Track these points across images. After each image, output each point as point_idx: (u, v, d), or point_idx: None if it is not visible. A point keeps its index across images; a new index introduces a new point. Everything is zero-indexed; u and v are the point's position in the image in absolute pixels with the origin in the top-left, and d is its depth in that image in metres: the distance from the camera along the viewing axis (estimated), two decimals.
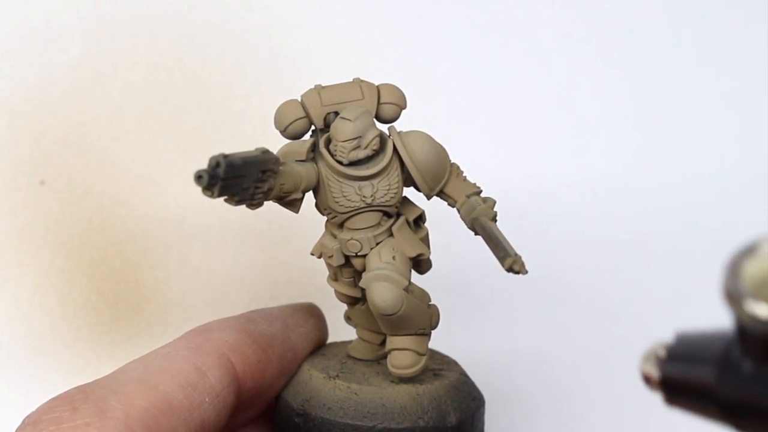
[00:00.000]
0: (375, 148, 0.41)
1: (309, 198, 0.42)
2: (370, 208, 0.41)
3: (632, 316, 0.61)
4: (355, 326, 0.46)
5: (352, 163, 0.41)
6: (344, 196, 0.41)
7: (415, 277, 0.43)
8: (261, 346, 0.42)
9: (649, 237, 0.62)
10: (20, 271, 0.59)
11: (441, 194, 0.43)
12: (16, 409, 0.40)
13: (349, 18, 0.61)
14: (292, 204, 0.41)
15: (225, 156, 0.34)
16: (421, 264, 0.44)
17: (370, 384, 0.42)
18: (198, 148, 0.60)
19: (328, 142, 0.41)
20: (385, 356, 0.43)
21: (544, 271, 0.59)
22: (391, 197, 0.42)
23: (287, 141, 0.42)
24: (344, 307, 0.46)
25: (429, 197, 0.43)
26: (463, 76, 0.62)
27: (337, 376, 0.43)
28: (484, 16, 0.62)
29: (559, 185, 0.62)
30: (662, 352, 0.29)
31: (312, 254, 0.44)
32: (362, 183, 0.41)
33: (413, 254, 0.42)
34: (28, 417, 0.37)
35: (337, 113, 0.42)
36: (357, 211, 0.41)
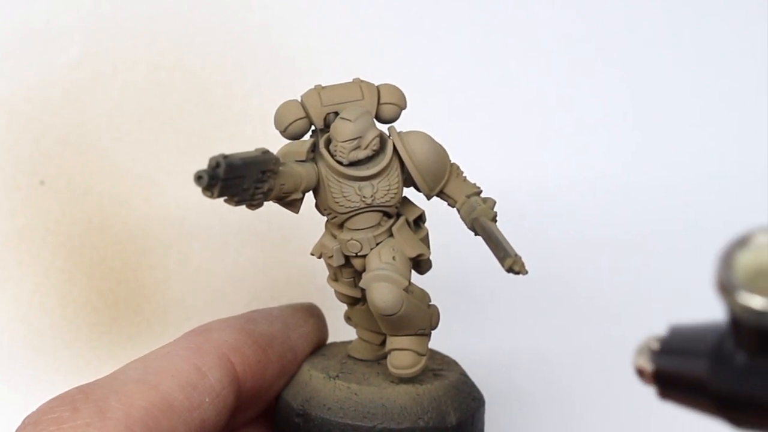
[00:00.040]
0: (375, 148, 0.41)
1: (309, 198, 0.42)
2: (370, 208, 0.41)
3: (632, 316, 0.61)
4: (355, 326, 0.46)
5: (352, 164, 0.41)
6: (344, 197, 0.41)
7: (415, 278, 0.43)
8: (261, 346, 0.42)
9: (649, 237, 0.62)
10: (20, 271, 0.59)
11: (441, 194, 0.43)
12: (16, 409, 0.40)
13: (349, 18, 0.61)
14: (292, 204, 0.41)
15: (225, 156, 0.34)
16: (421, 264, 0.44)
17: (370, 384, 0.42)
18: (198, 148, 0.60)
19: (328, 142, 0.41)
20: (385, 356, 0.43)
21: (544, 271, 0.59)
22: (391, 197, 0.42)
23: (287, 141, 0.42)
24: (344, 307, 0.46)
25: (429, 197, 0.43)
26: (463, 76, 0.62)
27: (337, 376, 0.43)
28: (484, 16, 0.62)
29: (559, 185, 0.62)
30: (655, 345, 0.29)
31: (312, 254, 0.44)
32: (362, 183, 0.41)
33: (413, 254, 0.42)
34: (28, 417, 0.37)
35: (337, 113, 0.42)
36: (357, 212, 0.41)
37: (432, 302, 0.43)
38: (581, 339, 0.61)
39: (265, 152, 0.37)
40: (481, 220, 0.41)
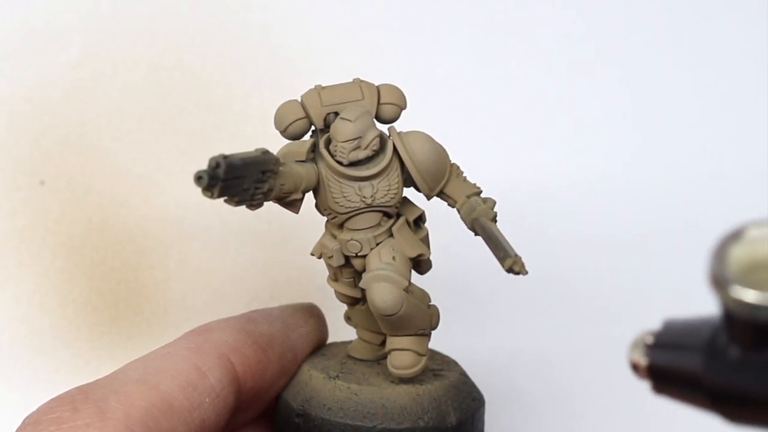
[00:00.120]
0: (375, 148, 0.41)
1: (309, 198, 0.42)
2: (370, 208, 0.41)
3: (632, 316, 0.61)
4: (355, 326, 0.46)
5: (352, 164, 0.41)
6: (344, 197, 0.41)
7: (415, 278, 0.43)
8: (261, 347, 0.42)
9: (649, 237, 0.62)
10: (20, 271, 0.59)
11: (441, 194, 0.43)
12: (16, 409, 0.40)
13: (349, 18, 0.61)
14: (292, 204, 0.41)
15: (225, 157, 0.34)
16: (421, 264, 0.44)
17: (370, 384, 0.42)
18: (198, 148, 0.60)
19: (328, 142, 0.41)
20: (385, 356, 0.43)
21: (544, 271, 0.59)
22: (391, 198, 0.42)
23: (287, 141, 0.42)
24: (344, 307, 0.46)
25: (429, 198, 0.43)
26: (463, 76, 0.62)
27: (337, 376, 0.43)
28: (484, 16, 0.62)
29: (559, 185, 0.62)
30: (650, 340, 0.29)
31: (312, 254, 0.44)
32: (362, 183, 0.41)
33: (413, 255, 0.42)
34: (28, 417, 0.37)
35: (337, 113, 0.42)
36: (357, 212, 0.41)
37: (432, 302, 0.43)
38: (581, 339, 0.61)
39: (265, 152, 0.37)
40: (481, 220, 0.41)
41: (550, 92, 0.63)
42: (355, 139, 0.40)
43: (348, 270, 0.43)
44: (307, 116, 0.42)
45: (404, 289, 0.41)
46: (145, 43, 0.60)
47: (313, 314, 0.47)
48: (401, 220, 0.43)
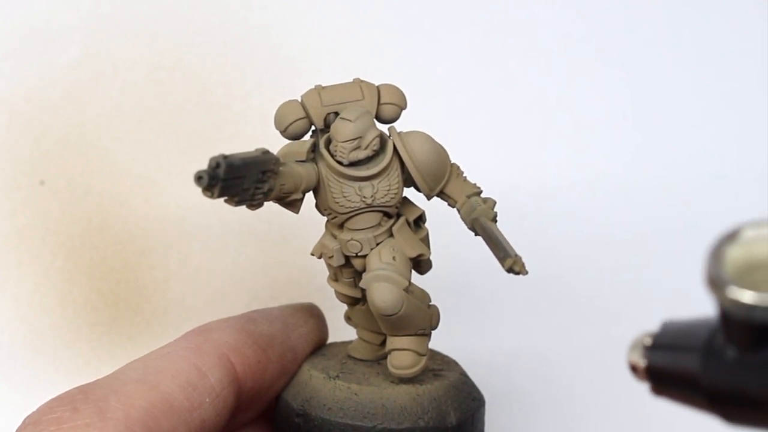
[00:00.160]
0: (375, 148, 0.41)
1: (309, 198, 0.42)
2: (370, 208, 0.41)
3: (632, 316, 0.61)
4: (355, 326, 0.46)
5: (353, 164, 0.41)
6: (344, 197, 0.41)
7: (415, 278, 0.43)
8: (261, 347, 0.42)
9: (649, 237, 0.62)
10: (20, 271, 0.59)
11: (441, 195, 0.43)
12: (16, 409, 0.40)
13: (349, 18, 0.61)
14: (293, 204, 0.41)
15: (225, 157, 0.34)
16: (421, 264, 0.44)
17: (370, 384, 0.42)
18: (198, 148, 0.60)
19: (329, 142, 0.41)
20: (385, 356, 0.43)
21: (544, 271, 0.59)
22: (392, 198, 0.42)
23: (287, 141, 0.42)
24: (344, 307, 0.46)
25: (429, 198, 0.43)
26: (463, 76, 0.62)
27: (337, 376, 0.43)
28: (484, 16, 0.62)
29: (559, 185, 0.62)
30: (648, 341, 0.29)
31: (312, 254, 0.44)
32: (362, 183, 0.41)
33: (413, 255, 0.42)
34: (28, 417, 0.37)
35: (337, 113, 0.42)
36: (357, 212, 0.41)
37: (432, 302, 0.43)
38: (581, 339, 0.61)
39: (266, 152, 0.37)
40: (481, 220, 0.41)
41: (550, 92, 0.63)
42: (355, 139, 0.40)
43: (348, 270, 0.43)
44: (308, 116, 0.42)
45: (404, 289, 0.41)
46: (145, 43, 0.60)
47: (313, 314, 0.47)
48: (401, 220, 0.43)
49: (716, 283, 0.25)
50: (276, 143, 0.41)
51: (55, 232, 0.59)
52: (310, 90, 0.42)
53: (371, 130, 0.41)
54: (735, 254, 0.25)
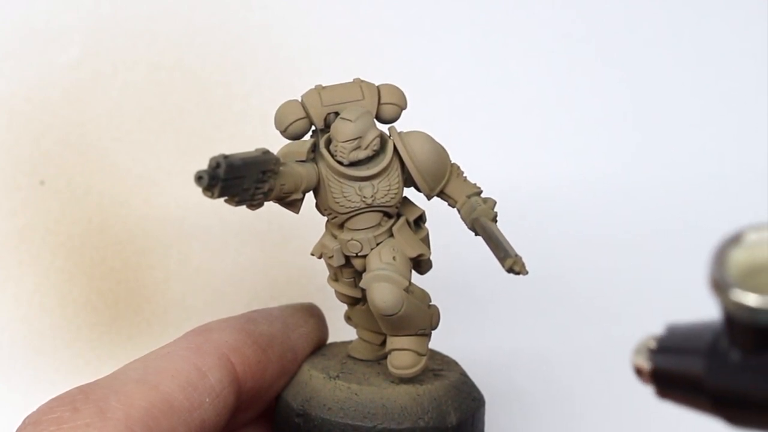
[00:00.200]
0: (375, 148, 0.41)
1: (309, 198, 0.42)
2: (370, 208, 0.41)
3: (632, 316, 0.61)
4: (355, 326, 0.46)
5: (353, 164, 0.41)
6: (344, 197, 0.41)
7: (416, 278, 0.43)
8: (261, 347, 0.42)
9: (649, 237, 0.62)
10: (20, 271, 0.59)
11: (441, 195, 0.43)
12: (16, 409, 0.40)
13: (349, 18, 0.61)
14: (293, 204, 0.41)
15: (225, 157, 0.34)
16: (421, 264, 0.44)
17: (370, 384, 0.42)
18: (198, 148, 0.60)
19: (329, 142, 0.41)
20: (385, 356, 0.43)
21: (544, 271, 0.59)
22: (392, 198, 0.42)
23: (287, 141, 0.42)
24: (344, 307, 0.46)
25: (429, 198, 0.43)
26: (463, 76, 0.62)
27: (338, 376, 0.43)
28: (484, 16, 0.62)
29: (559, 185, 0.62)
30: (653, 344, 0.29)
31: (312, 254, 0.44)
32: (362, 183, 0.41)
33: (413, 255, 0.42)
34: (28, 417, 0.37)
35: (337, 113, 0.42)
36: (357, 212, 0.41)
37: (432, 302, 0.43)
38: (581, 339, 0.61)
39: (266, 152, 0.37)
40: (481, 220, 0.41)
41: (550, 92, 0.63)
42: (355, 139, 0.40)
43: (348, 270, 0.43)
44: (308, 116, 0.42)
45: (404, 289, 0.41)
46: (145, 43, 0.60)
47: (313, 314, 0.47)
48: (401, 220, 0.43)
49: (720, 286, 0.25)
50: (276, 143, 0.41)
51: (55, 232, 0.59)
52: (310, 90, 0.42)
53: (371, 130, 0.41)
54: (738, 257, 0.25)
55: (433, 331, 0.43)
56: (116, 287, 0.60)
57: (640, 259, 0.62)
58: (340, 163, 0.41)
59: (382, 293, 0.40)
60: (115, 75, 0.60)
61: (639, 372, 0.29)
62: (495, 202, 0.42)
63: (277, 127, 0.42)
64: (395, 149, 0.42)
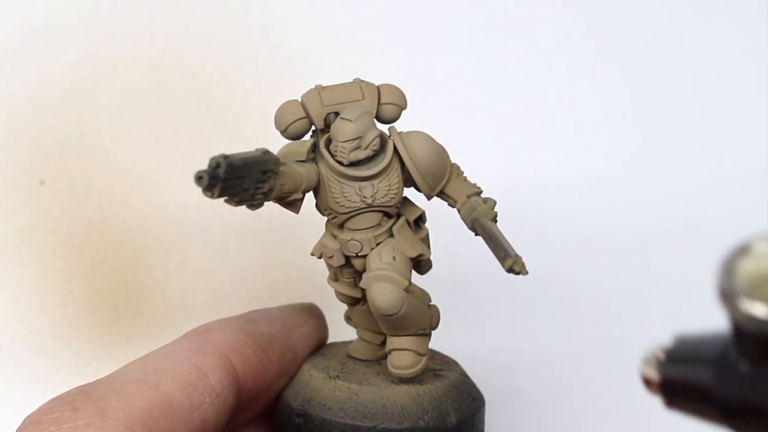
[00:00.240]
0: (375, 148, 0.41)
1: (309, 198, 0.42)
2: (370, 208, 0.41)
3: (632, 316, 0.61)
4: (355, 326, 0.46)
5: (353, 164, 0.41)
6: (344, 197, 0.41)
7: (416, 278, 0.43)
8: (261, 347, 0.42)
9: (649, 237, 0.62)
10: (20, 271, 0.59)
11: (441, 195, 0.43)
12: (16, 409, 0.40)
13: (349, 18, 0.61)
14: (293, 204, 0.41)
15: (225, 156, 0.34)
16: (421, 264, 0.44)
17: (370, 384, 0.42)
18: (198, 148, 0.60)
19: (329, 142, 0.41)
20: (385, 356, 0.43)
21: (544, 271, 0.59)
22: (392, 198, 0.42)
23: (287, 141, 0.42)
24: (344, 307, 0.46)
25: (429, 198, 0.43)
26: (463, 76, 0.62)
27: (338, 376, 0.43)
28: (484, 16, 0.62)
29: (559, 185, 0.62)
30: (662, 355, 0.29)
31: (312, 254, 0.44)
32: (362, 183, 0.41)
33: (413, 255, 0.42)
34: (28, 417, 0.37)
35: (337, 113, 0.42)
36: (357, 212, 0.41)
37: (432, 302, 0.43)
38: (581, 339, 0.61)
39: (266, 152, 0.37)
40: (481, 220, 0.41)
41: (550, 92, 0.63)
42: (355, 139, 0.40)
43: (348, 270, 0.43)
44: (308, 116, 0.42)
45: (404, 289, 0.41)
46: (145, 43, 0.60)
47: (313, 314, 0.47)
48: (401, 220, 0.43)
49: (728, 296, 0.25)
50: (276, 143, 0.41)
51: (55, 232, 0.59)
52: (311, 90, 0.42)
53: (371, 130, 0.41)
54: (747, 267, 0.25)
55: (433, 331, 0.43)
56: (116, 287, 0.60)
57: (640, 259, 0.62)
58: (340, 163, 0.41)
59: (382, 293, 0.40)
60: (115, 75, 0.60)
61: (647, 382, 0.29)
62: (495, 202, 0.42)
63: (277, 127, 0.42)
64: (395, 149, 0.42)
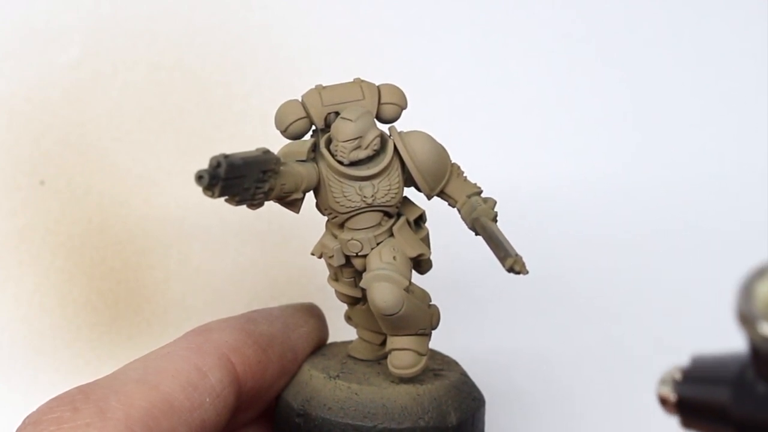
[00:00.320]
0: (376, 148, 0.41)
1: (309, 198, 0.42)
2: (370, 208, 0.41)
3: (632, 316, 0.61)
4: (355, 326, 0.46)
5: (353, 164, 0.41)
6: (345, 197, 0.41)
7: (416, 277, 0.43)
8: (261, 347, 0.42)
9: (649, 237, 0.62)
10: (20, 271, 0.59)
11: (441, 194, 0.43)
12: (16, 409, 0.40)
13: (349, 18, 0.61)
14: (293, 204, 0.41)
15: (226, 156, 0.34)
16: (421, 264, 0.44)
17: (370, 384, 0.42)
18: (198, 148, 0.60)
19: (329, 142, 0.41)
20: (385, 356, 0.43)
21: (544, 271, 0.59)
22: (392, 197, 0.42)
23: (288, 141, 0.42)
24: (344, 307, 0.46)
25: (429, 197, 0.43)
26: (463, 76, 0.62)
27: (338, 376, 0.43)
28: (484, 16, 0.62)
29: (559, 185, 0.62)
30: (678, 375, 0.29)
31: (312, 254, 0.44)
32: (363, 183, 0.41)
33: (414, 254, 0.42)
34: (28, 417, 0.37)
35: (337, 113, 0.42)
36: (357, 212, 0.41)
37: (432, 302, 0.43)
38: (581, 339, 0.61)
39: (266, 152, 0.37)
40: (481, 220, 0.41)
41: (550, 92, 0.63)
42: (355, 138, 0.40)
43: (348, 270, 0.43)
44: (308, 116, 0.42)
45: (405, 289, 0.41)
46: (145, 43, 0.60)
47: (313, 314, 0.47)
48: (402, 219, 0.43)
49: (747, 318, 0.25)
50: (276, 143, 0.41)
51: (55, 232, 0.59)
52: (311, 90, 0.42)
53: (372, 129, 0.41)
54: (765, 290, 0.25)
55: (433, 331, 0.43)
56: (116, 287, 0.60)
57: (640, 259, 0.62)
58: (341, 162, 0.41)
59: (383, 293, 0.40)
60: (115, 75, 0.60)
61: (664, 402, 0.29)
62: (495, 202, 0.42)
63: (277, 127, 0.42)
64: (395, 149, 0.42)
